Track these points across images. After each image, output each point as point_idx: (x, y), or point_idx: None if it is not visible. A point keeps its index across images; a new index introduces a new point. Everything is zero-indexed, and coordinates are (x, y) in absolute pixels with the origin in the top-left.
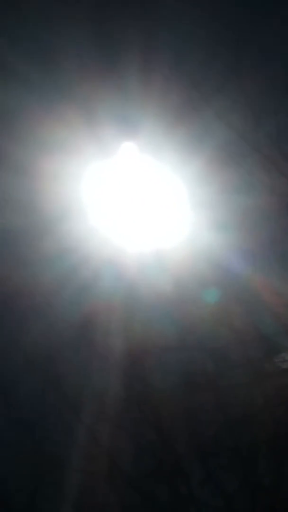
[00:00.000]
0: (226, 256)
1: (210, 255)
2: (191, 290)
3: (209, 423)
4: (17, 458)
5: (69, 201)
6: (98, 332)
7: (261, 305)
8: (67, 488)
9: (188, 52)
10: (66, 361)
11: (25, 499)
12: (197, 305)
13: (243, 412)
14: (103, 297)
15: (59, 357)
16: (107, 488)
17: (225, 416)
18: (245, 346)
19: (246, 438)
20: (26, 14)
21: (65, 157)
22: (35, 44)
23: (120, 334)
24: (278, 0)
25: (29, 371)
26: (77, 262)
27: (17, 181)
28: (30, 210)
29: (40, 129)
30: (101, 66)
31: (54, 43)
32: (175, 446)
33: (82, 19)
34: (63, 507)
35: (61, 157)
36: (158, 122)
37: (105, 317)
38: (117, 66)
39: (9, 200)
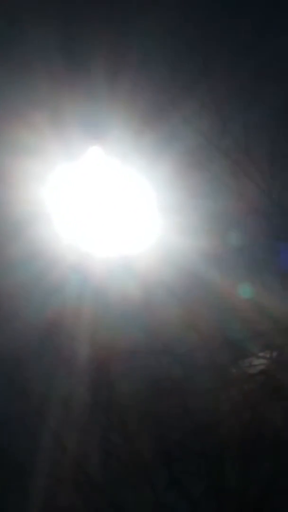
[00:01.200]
0: (194, 261)
1: (177, 259)
2: (158, 295)
3: (176, 428)
4: None
5: (34, 205)
6: (64, 337)
7: (228, 310)
8: (32, 494)
9: (156, 55)
10: (32, 366)
11: None
12: (163, 309)
13: (210, 417)
14: (70, 302)
15: (25, 362)
16: (73, 494)
17: (192, 421)
18: (212, 351)
19: (212, 443)
20: None
21: (31, 160)
22: (1, 45)
23: (86, 339)
24: (246, 1)
25: None
26: (43, 267)
27: None
28: None
29: (5, 132)
30: (67, 69)
31: (21, 45)
32: (141, 451)
33: (49, 20)
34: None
35: (27, 160)
36: (125, 125)
37: (71, 322)
38: (83, 69)
39: None
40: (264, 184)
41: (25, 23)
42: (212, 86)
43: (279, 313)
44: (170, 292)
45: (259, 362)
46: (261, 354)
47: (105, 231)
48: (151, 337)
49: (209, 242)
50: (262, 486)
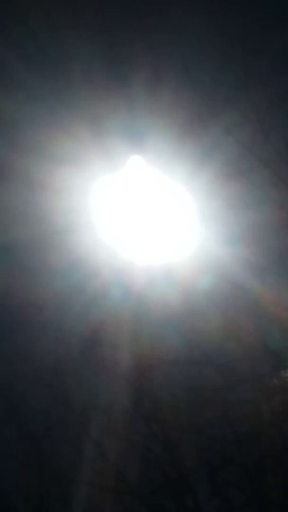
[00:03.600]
0: (235, 270)
1: (218, 269)
2: (200, 304)
3: (217, 438)
4: (23, 471)
5: (77, 214)
6: (106, 346)
7: (269, 320)
8: (73, 502)
9: (197, 65)
10: (74, 374)
11: None
12: (204, 319)
13: (251, 427)
14: (111, 311)
15: (67, 371)
16: (114, 502)
17: (233, 431)
18: (253, 361)
19: (253, 453)
20: (35, 27)
21: (73, 170)
22: (43, 56)
23: (128, 348)
24: (285, 13)
25: (36, 385)
26: (85, 275)
27: (25, 194)
28: (38, 223)
29: (48, 142)
30: (109, 79)
31: (63, 55)
32: (182, 461)
33: (91, 31)
34: None
35: (69, 170)
36: (167, 136)
37: (113, 331)
38: (125, 79)
39: (18, 213)
40: None
41: (68, 34)
42: (253, 96)
43: None
44: (211, 301)
45: None
46: None
47: (146, 240)
48: (192, 346)
49: (250, 251)
50: None
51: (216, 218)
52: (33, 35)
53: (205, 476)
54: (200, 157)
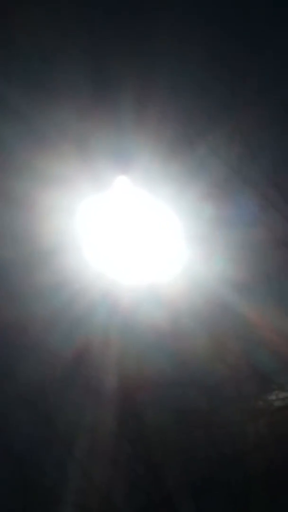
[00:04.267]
0: (222, 291)
1: (204, 289)
2: (186, 324)
3: (202, 460)
4: (8, 492)
5: (63, 234)
6: (92, 367)
7: (256, 341)
8: None
9: (184, 87)
10: (59, 395)
11: None
12: (191, 340)
13: (236, 449)
14: (97, 331)
15: (52, 391)
16: None
17: (218, 453)
18: (239, 382)
19: (238, 475)
20: (22, 49)
21: (60, 190)
22: (30, 78)
23: (113, 368)
24: (273, 34)
25: (21, 405)
26: (71, 295)
27: (12, 214)
28: (24, 243)
29: (35, 162)
30: (96, 100)
31: (50, 77)
32: (166, 482)
33: (78, 54)
34: None
35: (56, 190)
36: (153, 156)
37: (99, 352)
38: (112, 101)
39: (3, 232)
40: None
41: (56, 55)
42: (240, 117)
43: None
44: (197, 321)
45: (285, 395)
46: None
47: (133, 260)
48: (178, 368)
49: (237, 272)
50: None
51: (203, 238)
52: (19, 55)
53: (189, 497)
54: (187, 177)
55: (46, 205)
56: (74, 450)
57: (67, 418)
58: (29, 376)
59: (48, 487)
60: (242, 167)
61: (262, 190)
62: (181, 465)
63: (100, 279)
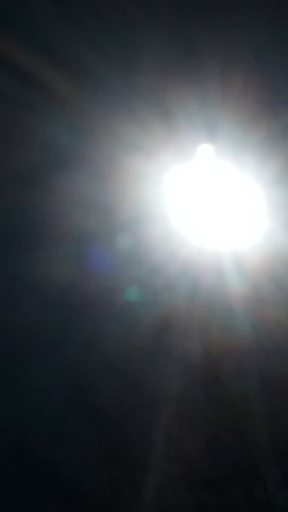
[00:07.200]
0: None
1: (287, 257)
2: (269, 292)
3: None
4: (93, 460)
5: (146, 203)
6: (176, 335)
7: None
8: (143, 491)
9: (269, 54)
10: (144, 363)
11: (101, 502)
12: (274, 308)
13: None
14: (181, 300)
15: (137, 360)
16: (183, 491)
17: None
18: None
19: None
20: (105, 15)
21: (143, 159)
22: (113, 45)
23: (198, 336)
24: None
25: (107, 373)
26: (155, 264)
27: (95, 184)
28: (108, 213)
29: (117, 131)
30: (179, 68)
31: (133, 44)
32: (252, 450)
33: (161, 20)
34: (139, 509)
35: (139, 159)
36: (237, 124)
37: (183, 320)
38: (196, 68)
39: (87, 202)
40: None
41: (139, 22)
42: None
43: None
44: (281, 290)
45: None
46: None
47: (216, 229)
48: (262, 335)
49: None
50: None
51: (286, 206)
52: (104, 24)
53: (276, 465)
54: (270, 146)
55: (129, 174)
56: (159, 418)
57: (153, 386)
58: (115, 345)
59: (134, 455)
60: None
61: None
62: (267, 432)
63: (184, 248)
